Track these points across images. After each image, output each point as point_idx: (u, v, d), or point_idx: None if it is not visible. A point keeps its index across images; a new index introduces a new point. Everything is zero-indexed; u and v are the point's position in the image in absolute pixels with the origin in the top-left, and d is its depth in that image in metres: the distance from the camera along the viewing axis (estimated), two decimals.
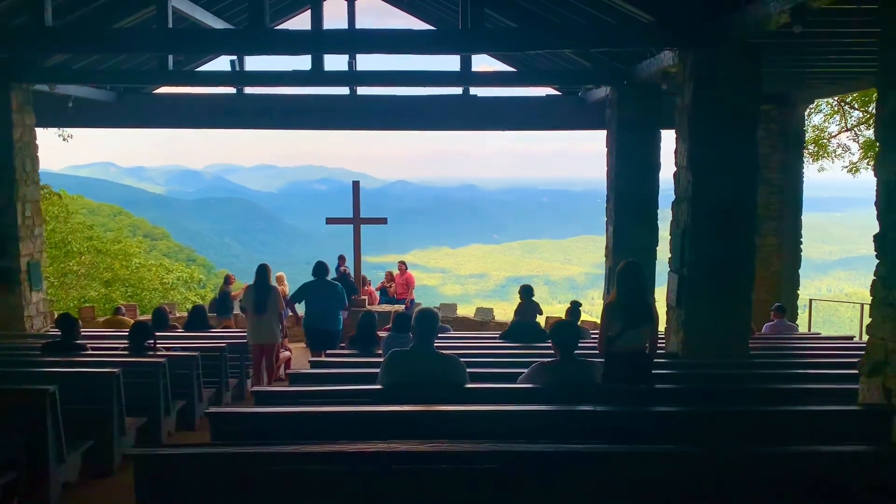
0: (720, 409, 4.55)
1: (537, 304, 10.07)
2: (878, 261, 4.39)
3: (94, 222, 46.84)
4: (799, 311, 14.51)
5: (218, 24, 12.40)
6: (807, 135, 16.76)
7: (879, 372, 4.31)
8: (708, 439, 4.20)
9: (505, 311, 19.05)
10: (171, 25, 10.17)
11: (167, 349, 7.82)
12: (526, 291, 10.13)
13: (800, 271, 13.99)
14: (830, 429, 4.36)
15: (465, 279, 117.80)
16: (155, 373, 6.70)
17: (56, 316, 8.57)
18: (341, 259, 14.44)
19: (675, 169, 7.88)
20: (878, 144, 4.41)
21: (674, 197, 7.90)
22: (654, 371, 5.99)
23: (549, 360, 5.19)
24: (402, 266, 15.78)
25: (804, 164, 16.30)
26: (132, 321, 11.31)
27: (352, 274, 14.29)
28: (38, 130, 10.97)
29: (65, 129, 16.17)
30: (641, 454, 3.47)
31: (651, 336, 5.40)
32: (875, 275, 4.40)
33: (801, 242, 13.89)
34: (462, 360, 6.72)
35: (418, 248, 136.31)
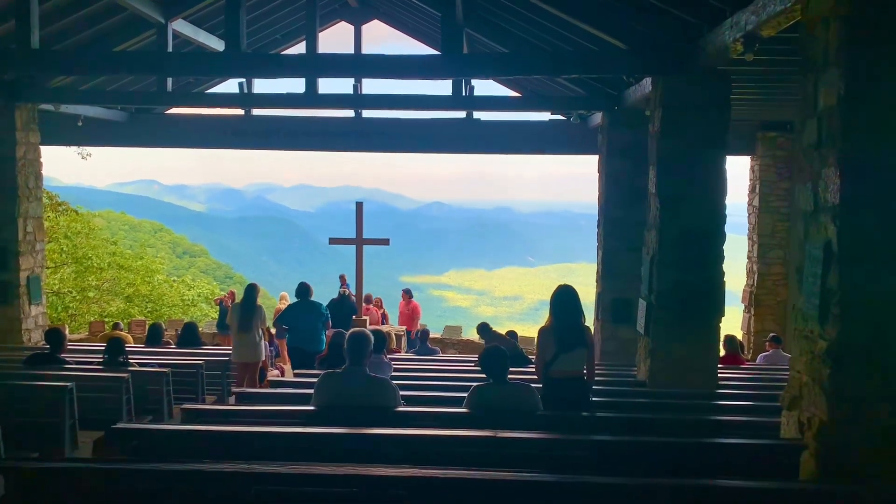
0: (640, 440, 4.49)
1: (500, 334, 10.00)
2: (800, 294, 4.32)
3: (135, 238, 48.01)
4: None
5: (223, 47, 12.72)
6: None
7: (796, 406, 4.22)
8: (625, 470, 4.15)
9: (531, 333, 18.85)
10: (170, 49, 10.49)
11: (141, 365, 7.98)
12: (482, 330, 10.12)
13: None
14: (748, 462, 4.29)
15: (499, 301, 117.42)
16: (118, 388, 6.84)
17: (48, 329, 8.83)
18: (342, 279, 14.54)
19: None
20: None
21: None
22: (601, 399, 5.98)
23: (483, 382, 5.20)
24: (406, 294, 15.60)
25: None
26: (127, 336, 11.58)
27: (353, 294, 14.36)
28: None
29: (83, 147, 16.59)
30: (545, 483, 3.43)
31: (588, 361, 5.37)
32: (794, 307, 4.33)
33: None
34: (419, 382, 6.78)
35: (454, 269, 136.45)
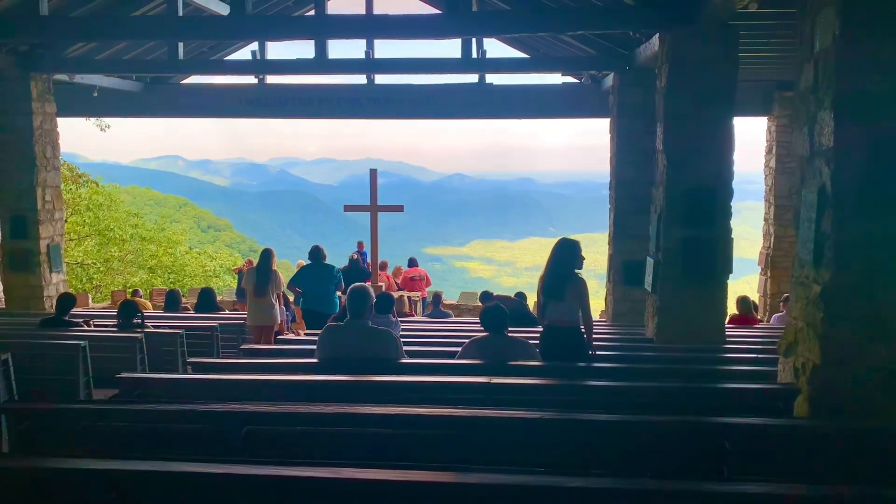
0: (636, 385, 4.52)
1: (505, 297, 10.22)
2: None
3: (160, 213, 48.59)
4: None
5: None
6: None
7: (792, 352, 4.22)
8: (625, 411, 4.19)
9: None
10: (181, 14, 10.52)
11: (155, 326, 8.14)
12: (484, 297, 10.46)
13: None
14: (743, 406, 4.30)
15: (521, 272, 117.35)
16: (132, 348, 7.01)
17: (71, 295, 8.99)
18: (359, 245, 14.65)
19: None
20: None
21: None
22: (603, 353, 6.01)
23: (481, 335, 5.29)
24: (401, 268, 15.56)
25: None
26: (145, 302, 11.78)
27: (367, 260, 14.44)
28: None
29: (101, 118, 16.75)
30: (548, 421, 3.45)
31: (584, 313, 5.42)
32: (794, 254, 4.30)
33: None
34: (426, 339, 6.84)
35: (477, 240, 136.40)
